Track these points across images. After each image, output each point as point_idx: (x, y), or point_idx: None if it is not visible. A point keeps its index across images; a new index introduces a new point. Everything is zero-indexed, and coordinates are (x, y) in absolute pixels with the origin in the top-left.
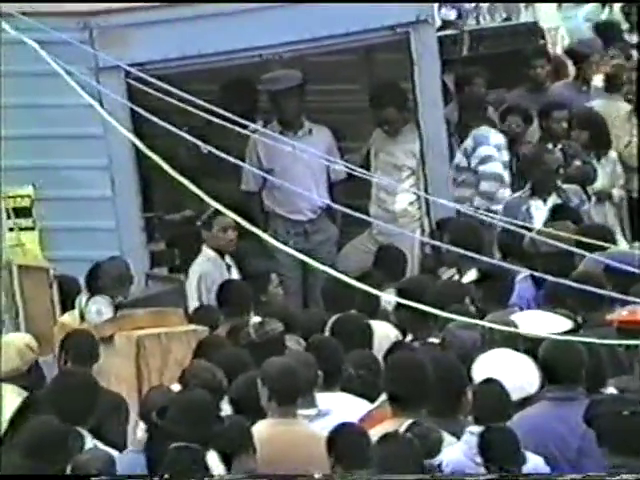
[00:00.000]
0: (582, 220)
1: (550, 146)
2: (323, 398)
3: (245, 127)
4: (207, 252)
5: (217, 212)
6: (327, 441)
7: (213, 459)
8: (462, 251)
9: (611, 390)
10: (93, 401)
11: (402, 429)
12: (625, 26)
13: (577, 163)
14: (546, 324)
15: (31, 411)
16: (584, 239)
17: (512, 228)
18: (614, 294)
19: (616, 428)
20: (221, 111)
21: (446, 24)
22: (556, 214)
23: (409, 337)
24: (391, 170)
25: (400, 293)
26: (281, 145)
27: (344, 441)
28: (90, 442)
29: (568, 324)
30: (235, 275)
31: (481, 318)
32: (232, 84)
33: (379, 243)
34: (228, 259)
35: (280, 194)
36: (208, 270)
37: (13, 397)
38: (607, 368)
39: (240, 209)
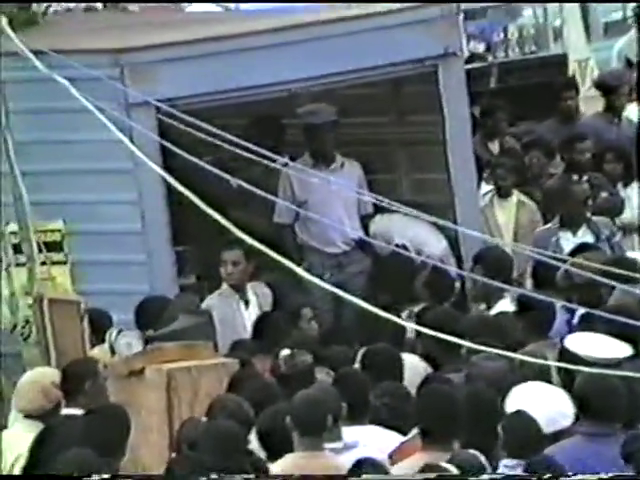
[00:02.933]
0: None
1: (576, 177)
2: (351, 431)
3: (275, 161)
4: (223, 286)
5: (225, 246)
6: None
7: None
8: (496, 283)
9: None
10: (124, 437)
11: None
12: None
13: (604, 195)
14: (605, 349)
15: (55, 444)
16: (615, 270)
17: (544, 259)
18: None
19: None
20: (250, 145)
21: (475, 56)
22: (579, 252)
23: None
24: None
25: (426, 324)
26: (314, 178)
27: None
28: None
29: (627, 349)
30: (254, 310)
31: (514, 350)
32: (259, 120)
33: None
34: (250, 293)
35: (314, 226)
36: (213, 304)
37: (32, 435)
38: None
39: (273, 242)
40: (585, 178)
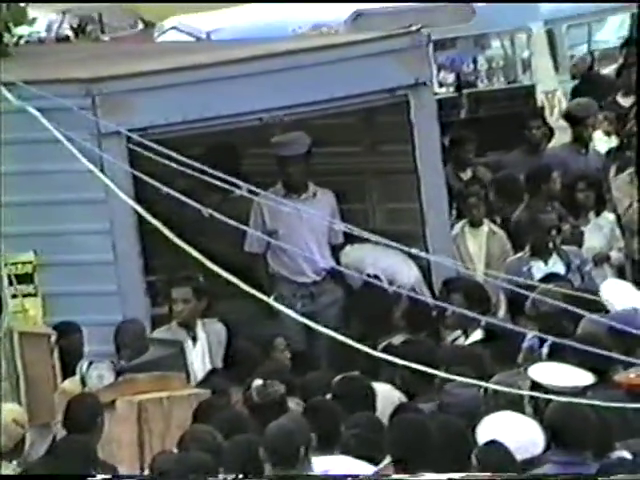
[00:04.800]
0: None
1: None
2: (321, 461)
3: (250, 191)
4: (172, 323)
5: (174, 283)
6: None
7: None
8: (469, 313)
9: (618, 453)
10: (89, 467)
11: None
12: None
13: (566, 227)
14: (566, 378)
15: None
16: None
17: (514, 288)
18: (618, 356)
19: None
20: (222, 175)
21: (445, 87)
22: (549, 281)
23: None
24: None
25: (401, 354)
26: (285, 207)
27: None
28: None
29: (589, 378)
30: (201, 347)
31: (488, 379)
32: (216, 149)
33: None
34: (200, 330)
35: (284, 256)
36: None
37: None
38: (615, 431)
39: (244, 272)
40: (548, 209)
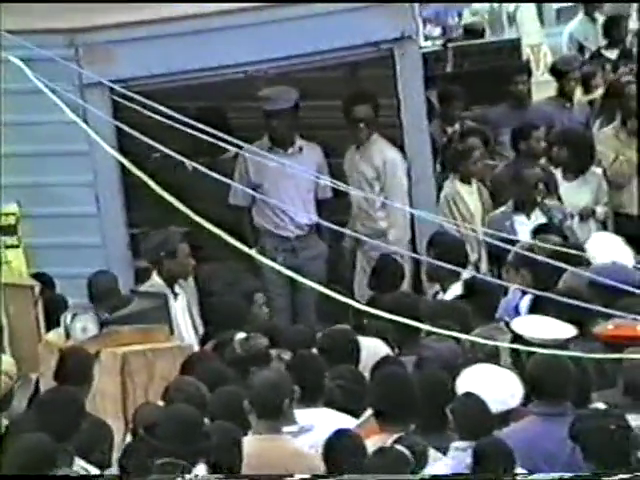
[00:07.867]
0: (566, 238)
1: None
2: (306, 414)
3: (234, 145)
4: (154, 279)
5: (183, 238)
6: (323, 447)
7: (201, 471)
8: (449, 266)
9: (597, 405)
10: (77, 418)
11: (389, 443)
12: (603, 42)
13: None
14: (549, 330)
15: (15, 430)
16: (570, 253)
17: (496, 242)
18: (599, 308)
19: (601, 443)
20: (206, 127)
21: (430, 40)
22: (539, 232)
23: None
24: (364, 186)
25: (385, 308)
26: (271, 162)
27: (339, 447)
28: (77, 461)
29: (572, 330)
30: (180, 304)
31: (467, 333)
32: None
33: (371, 259)
34: (177, 287)
35: (268, 210)
36: None
37: None
38: (593, 382)
39: (227, 224)
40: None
